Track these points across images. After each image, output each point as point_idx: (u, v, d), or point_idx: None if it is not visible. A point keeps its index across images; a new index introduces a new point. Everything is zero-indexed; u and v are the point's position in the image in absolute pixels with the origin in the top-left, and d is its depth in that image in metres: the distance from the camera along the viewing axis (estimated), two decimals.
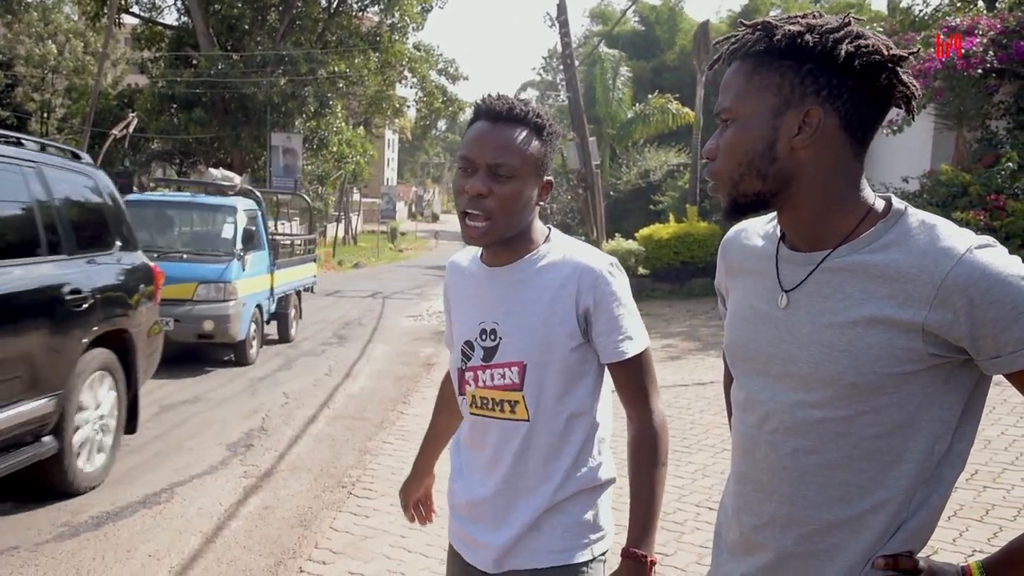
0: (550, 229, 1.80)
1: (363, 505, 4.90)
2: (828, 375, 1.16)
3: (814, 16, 1.18)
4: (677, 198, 19.66)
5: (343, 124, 34.21)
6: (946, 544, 3.93)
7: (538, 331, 1.69)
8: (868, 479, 1.17)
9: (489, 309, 1.76)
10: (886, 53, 1.16)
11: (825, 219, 1.19)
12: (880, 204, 1.21)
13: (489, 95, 1.72)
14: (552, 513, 1.71)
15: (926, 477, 1.16)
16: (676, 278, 15.23)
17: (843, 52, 1.14)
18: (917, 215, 1.17)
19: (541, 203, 1.75)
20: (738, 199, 1.22)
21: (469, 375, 1.77)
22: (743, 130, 1.19)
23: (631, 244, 15.29)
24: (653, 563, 1.63)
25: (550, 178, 1.75)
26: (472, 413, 1.78)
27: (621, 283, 1.73)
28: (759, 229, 1.35)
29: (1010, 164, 9.04)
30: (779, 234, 1.29)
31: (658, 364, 1.63)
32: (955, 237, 1.11)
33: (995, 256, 1.09)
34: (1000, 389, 7.48)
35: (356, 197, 56.75)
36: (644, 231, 15.71)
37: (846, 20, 1.17)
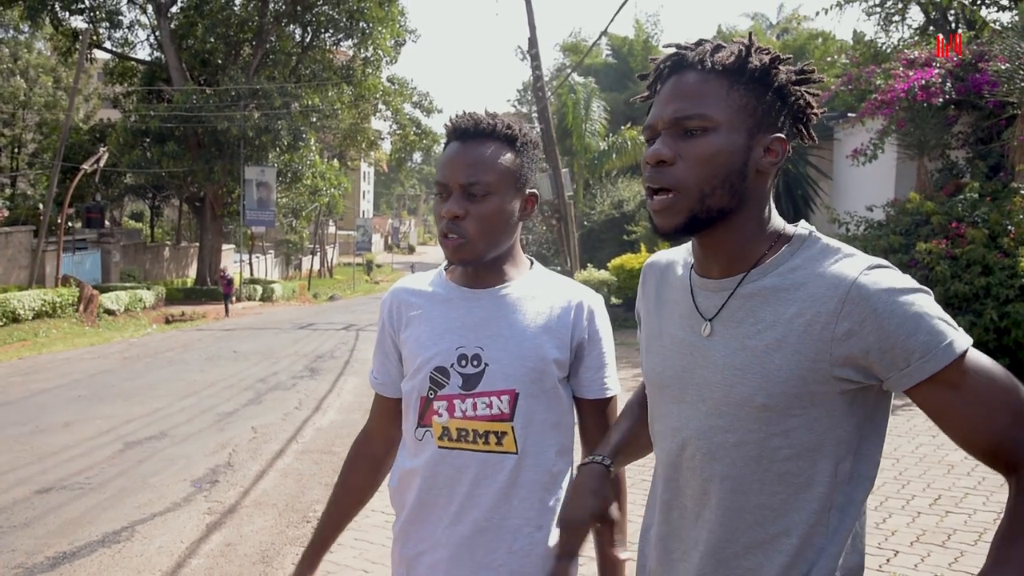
0: (532, 260, 1.74)
1: None
2: (740, 397, 1.18)
3: (770, 49, 1.23)
4: (650, 228, 19.79)
5: (317, 157, 34.30)
6: (908, 570, 3.95)
7: (530, 358, 1.58)
8: (780, 502, 1.19)
9: (468, 332, 1.61)
10: (819, 111, 1.25)
11: (747, 244, 1.23)
12: (788, 230, 1.25)
13: (456, 114, 1.64)
14: (538, 561, 1.60)
15: (837, 500, 1.18)
16: None
17: (803, 100, 1.22)
18: (821, 240, 1.22)
19: (526, 218, 1.65)
20: (700, 214, 1.19)
21: (440, 404, 1.60)
22: (724, 142, 1.17)
23: (603, 274, 15.37)
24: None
25: (533, 190, 1.64)
26: (442, 447, 1.61)
27: (608, 320, 1.69)
28: (677, 258, 1.38)
29: (972, 194, 9.22)
30: (689, 263, 1.32)
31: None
32: (854, 259, 1.16)
33: (890, 274, 1.14)
34: None
35: (332, 229, 56.73)
36: (616, 261, 15.82)
37: (810, 67, 1.24)
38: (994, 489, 5.13)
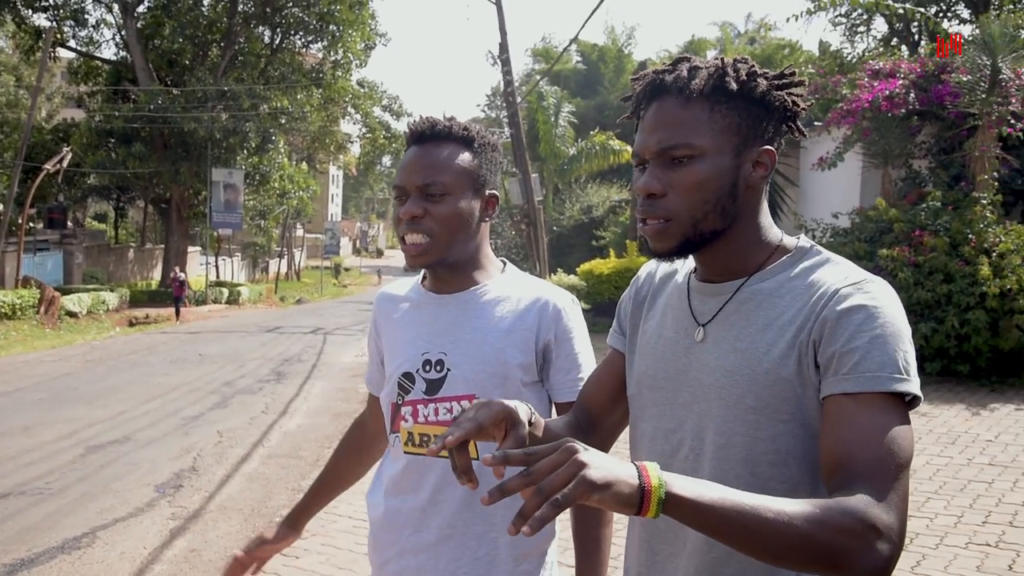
0: (505, 263, 1.72)
1: (293, 545, 4.78)
2: (731, 399, 1.19)
3: (748, 60, 1.23)
4: (619, 233, 19.95)
5: (285, 160, 34.04)
6: None
7: (491, 363, 1.57)
8: None
9: (434, 338, 1.61)
10: (805, 105, 1.25)
11: (743, 254, 1.24)
12: (788, 241, 1.27)
13: (414, 119, 1.64)
14: (502, 566, 1.59)
15: None
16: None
17: (788, 102, 1.21)
18: (823, 253, 1.23)
19: (487, 220, 1.65)
20: (693, 238, 1.20)
21: (406, 410, 1.61)
22: (711, 167, 1.17)
23: (572, 279, 15.43)
24: None
25: (494, 191, 1.64)
26: (407, 452, 1.61)
27: (581, 320, 1.66)
28: (677, 263, 1.38)
29: (935, 203, 9.38)
30: (690, 267, 1.33)
31: None
32: (850, 271, 1.17)
33: (875, 291, 1.13)
34: (925, 420, 7.59)
35: (299, 232, 56.32)
36: (585, 266, 15.89)
37: (791, 70, 1.25)
38: (954, 493, 5.22)
